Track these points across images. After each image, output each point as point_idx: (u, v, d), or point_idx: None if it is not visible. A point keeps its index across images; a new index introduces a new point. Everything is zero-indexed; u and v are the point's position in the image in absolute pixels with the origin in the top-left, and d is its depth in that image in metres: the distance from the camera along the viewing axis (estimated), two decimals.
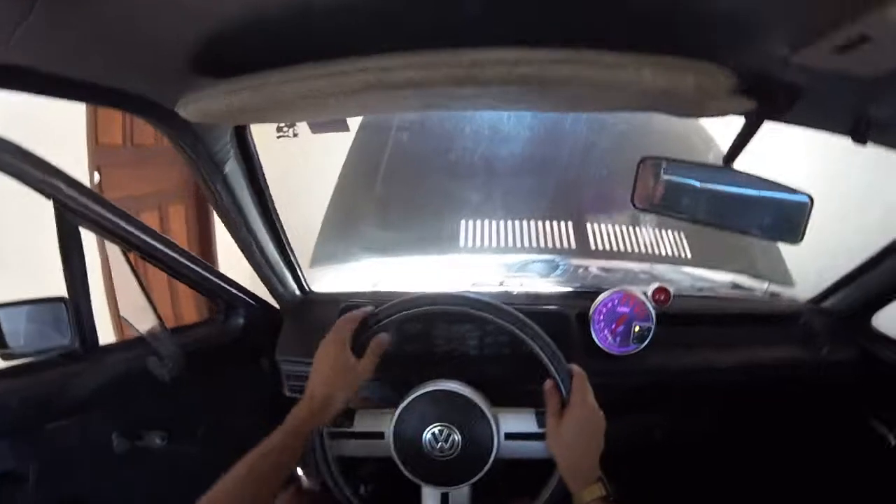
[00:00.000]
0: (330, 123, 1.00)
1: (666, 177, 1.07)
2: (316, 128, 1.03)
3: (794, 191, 0.98)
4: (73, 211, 1.10)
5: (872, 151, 0.87)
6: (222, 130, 1.05)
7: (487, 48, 0.61)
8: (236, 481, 0.92)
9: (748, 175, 0.98)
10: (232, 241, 1.30)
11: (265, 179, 1.22)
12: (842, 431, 1.49)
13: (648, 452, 1.47)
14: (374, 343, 1.05)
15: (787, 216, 0.99)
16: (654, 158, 1.07)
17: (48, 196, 1.08)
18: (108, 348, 1.29)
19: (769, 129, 0.87)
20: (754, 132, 0.88)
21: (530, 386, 1.17)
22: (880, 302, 1.38)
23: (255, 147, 1.15)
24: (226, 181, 1.11)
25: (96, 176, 2.61)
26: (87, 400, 1.23)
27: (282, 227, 1.35)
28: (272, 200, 1.28)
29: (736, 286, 1.72)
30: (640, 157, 1.07)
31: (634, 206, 1.10)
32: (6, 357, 1.15)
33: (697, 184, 1.04)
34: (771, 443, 1.57)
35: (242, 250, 1.29)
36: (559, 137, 2.47)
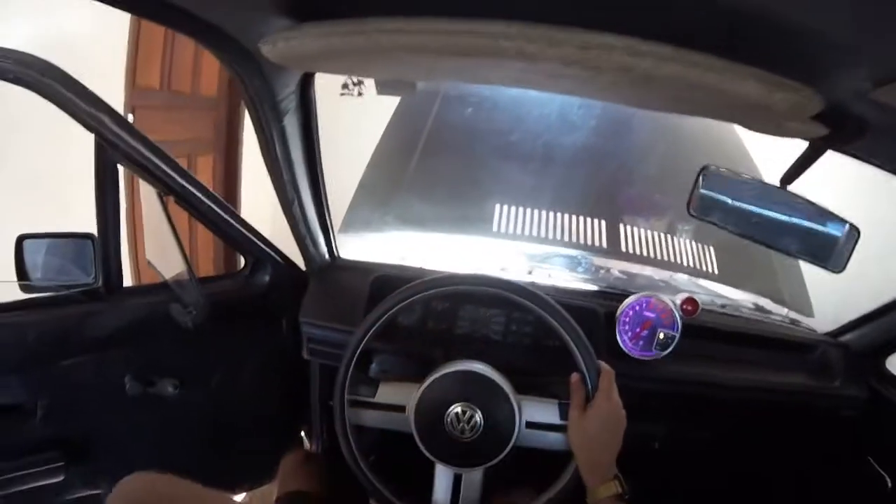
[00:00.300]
0: (398, 85, 0.99)
1: (722, 188, 1.07)
2: (383, 88, 1.01)
3: (843, 220, 1.00)
4: (115, 147, 1.09)
5: None
6: (290, 78, 1.02)
7: (600, 32, 0.60)
8: None
9: (802, 199, 1.00)
10: (254, 200, 1.28)
11: (319, 138, 1.20)
12: (842, 466, 1.48)
13: (646, 460, 1.47)
14: None
15: (832, 244, 1.01)
16: (716, 168, 1.07)
17: (91, 129, 1.07)
18: (132, 290, 1.30)
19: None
20: (816, 158, 0.89)
21: (550, 378, 1.17)
22: None
23: (315, 102, 1.12)
24: (283, 132, 1.08)
25: (130, 117, 2.61)
26: (104, 340, 1.23)
27: (325, 189, 1.33)
28: (321, 159, 1.25)
29: (758, 307, 1.69)
30: (702, 166, 1.07)
31: (690, 213, 1.10)
32: (26, 289, 1.15)
33: (753, 200, 1.05)
34: (770, 466, 1.56)
35: (282, 203, 1.26)
36: (622, 134, 2.42)
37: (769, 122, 0.76)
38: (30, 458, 1.20)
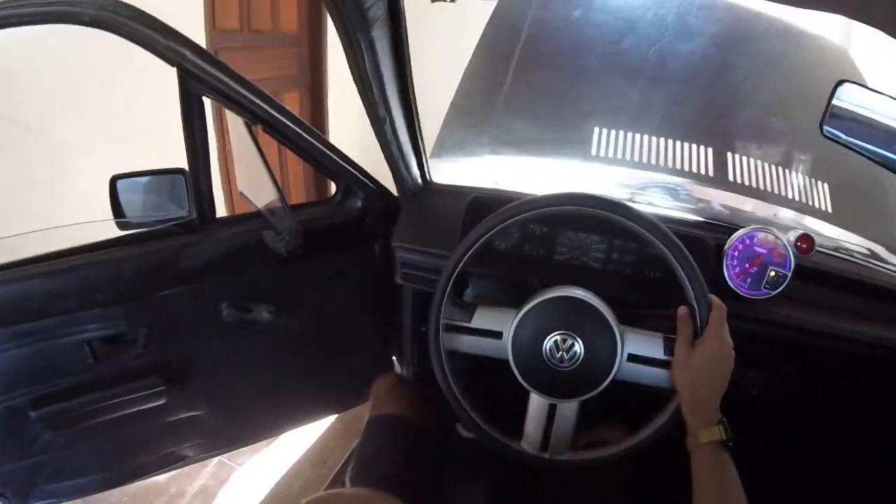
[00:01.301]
0: None
1: (860, 107, 0.96)
2: None
3: None
4: (198, 79, 1.09)
5: None
6: None
7: None
8: None
9: None
10: (341, 137, 1.25)
11: (409, 53, 1.13)
12: None
13: (742, 406, 1.40)
14: None
15: None
16: (853, 83, 0.96)
17: (173, 63, 1.07)
18: (225, 220, 1.32)
19: None
20: None
21: (652, 311, 1.10)
22: None
23: (405, 11, 1.05)
24: (371, 45, 1.02)
25: None
26: (200, 270, 1.27)
27: (417, 108, 1.27)
28: (412, 77, 1.19)
29: (872, 254, 1.54)
30: (839, 80, 0.95)
31: (823, 132, 0.99)
32: (123, 227, 1.19)
33: (893, 122, 0.94)
34: (871, 426, 1.45)
35: (374, 126, 1.22)
36: (744, 45, 2.18)
37: None
38: (133, 383, 1.28)
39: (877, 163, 0.97)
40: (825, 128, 0.98)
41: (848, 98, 0.96)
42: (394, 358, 1.69)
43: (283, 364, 1.51)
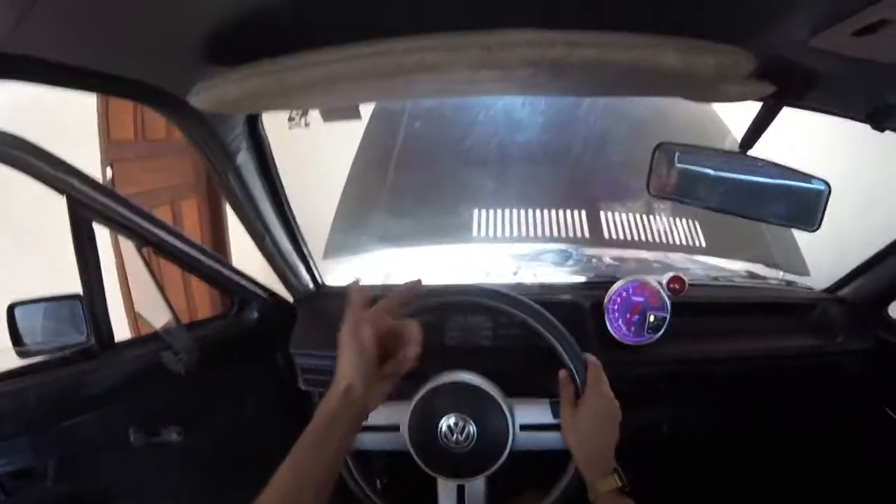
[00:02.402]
0: (342, 111, 0.98)
1: (681, 164, 1.06)
2: (328, 116, 1.01)
3: (811, 178, 0.98)
4: (87, 206, 1.10)
5: (889, 139, 0.86)
6: (235, 121, 1.03)
7: (507, 30, 0.60)
8: (282, 484, 0.85)
9: (764, 161, 0.98)
10: (245, 234, 1.29)
11: (277, 171, 1.21)
12: (857, 422, 1.47)
13: (657, 446, 1.46)
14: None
15: (804, 203, 0.98)
16: (670, 145, 1.06)
17: (61, 192, 1.08)
18: (124, 344, 1.30)
19: (786, 116, 0.86)
20: (772, 118, 0.86)
21: (544, 377, 1.16)
22: None
23: (267, 138, 1.13)
24: (238, 172, 1.09)
25: (109, 172, 2.62)
26: (103, 396, 1.23)
27: (294, 219, 1.34)
28: (285, 192, 1.26)
29: (751, 275, 1.69)
30: (656, 144, 1.06)
31: (650, 193, 1.09)
32: (22, 355, 1.16)
33: (713, 171, 1.04)
34: (785, 433, 1.55)
35: (255, 242, 1.27)
36: (573, 124, 2.45)
37: (707, 90, 0.75)
38: None
39: (706, 209, 1.07)
40: (651, 191, 1.08)
41: (666, 159, 1.06)
42: None
43: (201, 484, 1.46)
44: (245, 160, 1.09)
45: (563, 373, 1.04)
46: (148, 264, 1.19)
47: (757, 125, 0.89)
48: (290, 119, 2.59)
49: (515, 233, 1.97)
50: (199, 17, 0.65)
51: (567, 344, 1.04)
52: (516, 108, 2.36)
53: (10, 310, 1.15)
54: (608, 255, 1.89)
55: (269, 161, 1.17)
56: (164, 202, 3.08)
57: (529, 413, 1.09)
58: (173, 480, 1.40)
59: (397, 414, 1.10)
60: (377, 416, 1.10)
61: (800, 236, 2.15)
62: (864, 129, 0.90)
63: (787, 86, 0.76)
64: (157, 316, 1.26)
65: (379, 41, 0.64)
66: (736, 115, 2.48)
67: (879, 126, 0.83)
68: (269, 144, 1.14)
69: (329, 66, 0.66)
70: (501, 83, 0.75)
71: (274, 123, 1.14)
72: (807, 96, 0.83)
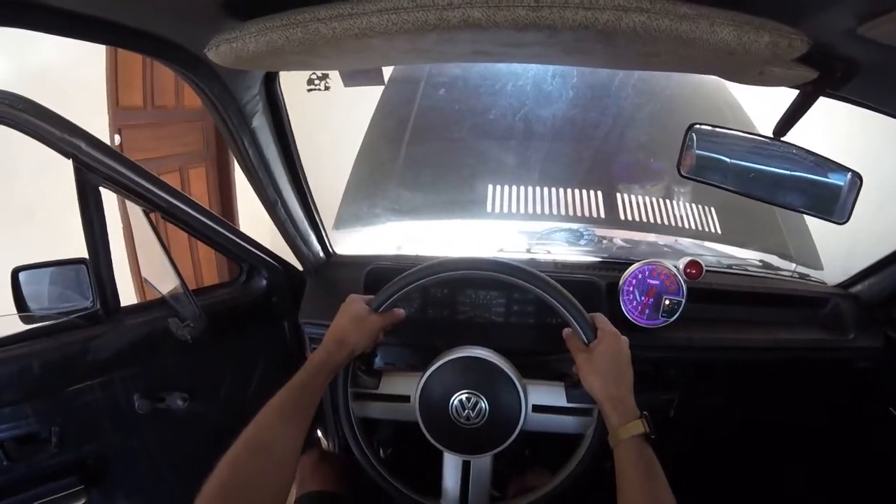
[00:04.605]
0: (364, 75, 0.94)
1: (713, 145, 1.04)
2: (349, 80, 0.96)
3: (844, 168, 0.96)
4: (94, 170, 1.08)
5: None
6: (252, 80, 0.99)
7: None
8: (268, 419, 0.97)
9: (798, 148, 0.95)
10: (252, 206, 1.26)
11: (293, 136, 1.17)
12: (862, 417, 1.47)
13: (662, 430, 1.45)
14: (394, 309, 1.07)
15: (834, 194, 0.97)
16: (704, 125, 1.03)
17: (68, 155, 1.06)
18: (130, 310, 1.29)
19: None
20: (808, 106, 0.84)
21: (555, 357, 1.15)
22: None
23: (283, 101, 1.09)
24: (253, 136, 1.06)
25: (117, 138, 2.60)
26: (108, 362, 1.23)
27: (308, 186, 1.31)
28: (299, 158, 1.23)
29: (765, 264, 1.67)
30: (689, 124, 1.03)
31: (680, 173, 1.07)
32: (27, 320, 1.15)
33: (747, 155, 1.01)
34: (789, 424, 1.54)
35: (267, 209, 1.25)
36: (603, 101, 2.38)
37: (750, 70, 0.72)
38: (50, 484, 1.21)
39: (735, 193, 1.04)
40: (682, 171, 1.06)
41: (700, 141, 1.03)
42: (318, 432, 1.66)
43: (202, 452, 1.45)
44: (260, 123, 1.06)
45: (567, 330, 1.02)
46: (155, 229, 1.16)
47: (792, 113, 0.87)
48: (310, 82, 2.51)
49: (530, 210, 1.95)
50: None
51: (571, 304, 1.00)
52: (546, 80, 2.28)
53: (15, 274, 1.13)
54: (620, 236, 1.87)
55: (284, 124, 1.13)
56: (172, 169, 3.08)
57: (543, 394, 1.07)
58: (177, 447, 1.40)
59: (408, 385, 1.08)
60: (388, 386, 1.08)
61: (813, 229, 2.12)
62: (885, 124, 0.89)
63: (828, 73, 0.74)
64: (164, 282, 1.24)
65: None
66: (756, 106, 2.44)
67: None
68: (285, 107, 1.11)
69: (364, 18, 0.62)
70: (543, 47, 0.71)
71: (292, 86, 1.10)
72: (845, 86, 0.79)
